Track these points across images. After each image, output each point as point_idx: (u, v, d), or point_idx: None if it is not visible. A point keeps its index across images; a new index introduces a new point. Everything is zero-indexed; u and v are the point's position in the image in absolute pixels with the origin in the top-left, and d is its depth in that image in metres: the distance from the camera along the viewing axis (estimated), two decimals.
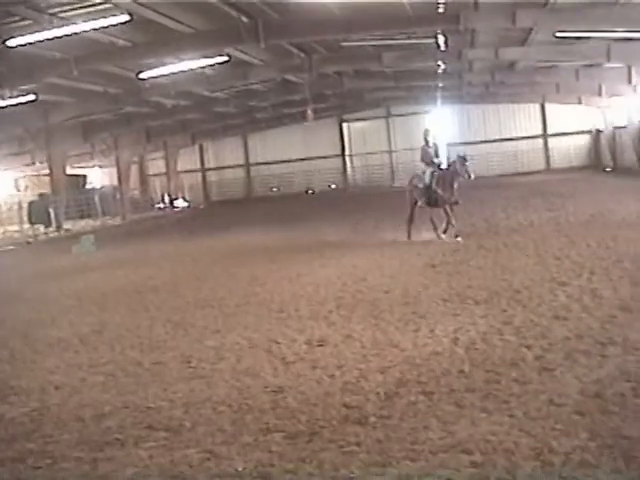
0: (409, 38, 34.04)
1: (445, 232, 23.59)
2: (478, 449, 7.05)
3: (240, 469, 7.16)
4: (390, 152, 68.09)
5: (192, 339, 13.11)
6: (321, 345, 11.74)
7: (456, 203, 23.54)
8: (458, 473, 6.60)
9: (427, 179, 23.94)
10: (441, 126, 63.68)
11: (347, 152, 69.03)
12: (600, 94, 48.80)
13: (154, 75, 33.11)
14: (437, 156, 24.33)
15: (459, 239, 22.61)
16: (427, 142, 24.48)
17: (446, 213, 23.38)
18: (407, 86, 52.63)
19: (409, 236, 24.50)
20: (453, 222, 23.23)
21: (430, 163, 24.04)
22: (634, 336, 10.29)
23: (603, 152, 60.83)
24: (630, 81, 40.93)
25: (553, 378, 8.91)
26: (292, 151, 67.93)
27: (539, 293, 14.00)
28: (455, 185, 23.24)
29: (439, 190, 23.37)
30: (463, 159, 23.15)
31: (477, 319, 12.37)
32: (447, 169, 23.82)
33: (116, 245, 34.55)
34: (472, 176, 23.03)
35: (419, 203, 24.33)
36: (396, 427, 7.83)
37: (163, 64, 31.85)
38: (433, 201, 23.75)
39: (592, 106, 56.46)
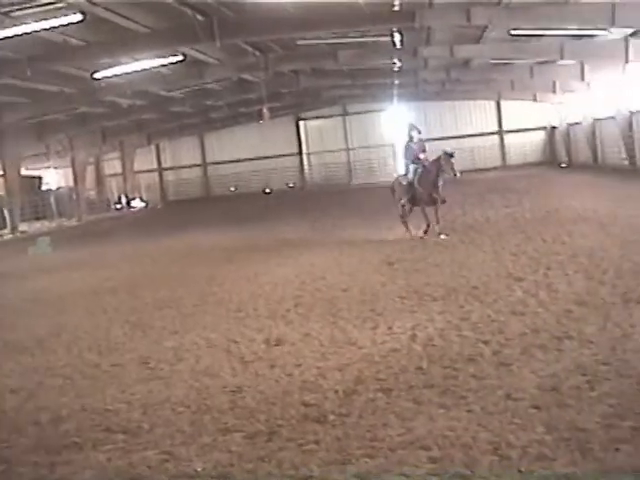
0: (365, 36, 34.08)
1: (426, 232, 22.65)
2: (436, 445, 7.08)
3: (199, 470, 7.13)
4: (347, 150, 68.37)
5: (150, 340, 13.03)
6: (279, 344, 11.72)
7: (442, 202, 22.64)
8: (416, 469, 6.63)
9: (410, 176, 23.02)
10: (397, 124, 64.04)
11: (304, 150, 69.19)
12: (554, 91, 49.25)
13: (109, 75, 32.88)
14: (424, 152, 22.94)
15: (443, 236, 21.91)
16: (411, 138, 23.18)
17: (424, 213, 22.75)
18: (363, 84, 52.81)
19: (409, 231, 23.32)
20: (431, 222, 22.57)
21: (415, 160, 22.80)
22: (589, 330, 10.39)
23: (558, 148, 61.45)
24: (583, 78, 41.32)
25: (510, 373, 8.97)
26: (249, 150, 67.91)
27: (496, 289, 14.09)
28: (440, 182, 22.29)
29: (420, 188, 22.48)
30: (449, 155, 22.08)
31: (435, 316, 12.42)
32: (431, 166, 22.50)
33: (73, 246, 34.29)
34: (458, 174, 22.03)
35: (402, 201, 23.47)
36: (355, 425, 7.85)
37: (118, 64, 31.64)
38: (416, 199, 22.93)
39: (547, 103, 56.97)
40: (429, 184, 22.22)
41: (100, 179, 64.05)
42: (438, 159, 22.28)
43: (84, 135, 54.22)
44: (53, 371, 11.53)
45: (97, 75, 32.57)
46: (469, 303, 13.13)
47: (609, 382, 8.25)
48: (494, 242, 20.07)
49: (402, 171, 23.95)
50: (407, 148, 23.12)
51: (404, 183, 23.30)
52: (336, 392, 8.95)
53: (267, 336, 12.29)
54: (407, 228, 23.38)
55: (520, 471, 6.36)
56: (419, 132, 23.19)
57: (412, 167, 22.88)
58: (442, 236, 21.85)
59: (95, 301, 17.79)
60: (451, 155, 21.91)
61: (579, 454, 6.53)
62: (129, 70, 32.46)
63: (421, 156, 22.63)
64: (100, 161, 63.84)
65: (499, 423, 7.44)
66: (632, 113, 42.56)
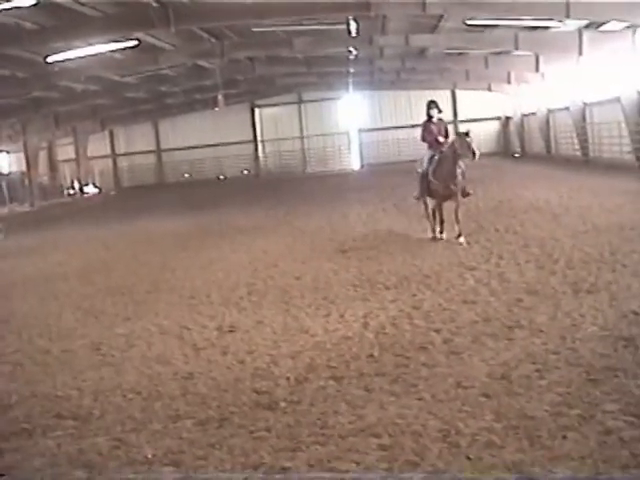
0: (320, 24, 34.10)
1: (441, 232, 18.99)
2: (387, 432, 7.11)
3: (150, 456, 7.11)
4: (302, 138, 68.24)
5: (102, 326, 12.96)
6: (232, 331, 11.72)
7: (465, 195, 19.13)
8: (367, 456, 6.65)
9: (424, 165, 19.26)
10: (352, 112, 64.19)
11: (259, 138, 68.94)
12: (509, 81, 49.50)
13: (63, 59, 32.57)
14: (445, 134, 19.16)
15: (462, 240, 18.14)
16: (430, 117, 19.41)
17: (439, 209, 19.00)
18: (319, 72, 52.79)
19: (434, 233, 19.33)
20: (454, 218, 18.68)
21: (434, 143, 18.99)
22: (540, 319, 10.48)
23: (512, 138, 61.87)
24: (537, 69, 41.61)
25: (461, 361, 9.03)
26: (204, 137, 67.56)
27: (448, 278, 14.16)
28: (458, 171, 18.36)
29: (434, 180, 18.61)
30: (464, 135, 17.96)
31: (387, 304, 12.46)
32: (447, 152, 18.47)
33: (25, 232, 33.99)
34: (477, 155, 17.58)
35: (415, 194, 20.18)
36: (306, 412, 7.86)
37: (72, 48, 31.32)
38: (432, 193, 19.10)
39: (501, 93, 57.29)
40: (445, 174, 18.32)
41: (53, 164, 63.43)
42: (452, 143, 18.29)
43: (37, 120, 53.62)
44: (2, 357, 11.44)
45: (50, 59, 32.26)
46: (421, 292, 13.19)
47: (558, 371, 8.33)
48: (447, 231, 20.12)
49: (423, 161, 19.54)
50: (425, 128, 19.43)
51: (419, 171, 19.68)
52: (288, 379, 8.96)
53: (220, 323, 12.29)
54: (432, 227, 19.51)
55: (469, 458, 6.40)
56: (439, 111, 19.44)
57: (427, 154, 19.29)
58: (461, 239, 18.14)
59: (46, 287, 17.66)
60: (466, 134, 17.93)
61: (527, 442, 6.59)
62: (83, 55, 32.14)
63: (440, 139, 18.90)
64: (53, 146, 63.22)
65: (449, 411, 7.48)
66: (585, 104, 42.93)
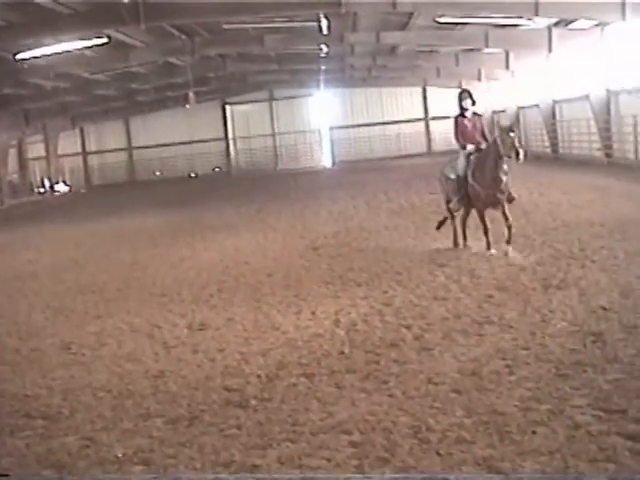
0: (292, 21, 34.07)
1: (489, 245, 15.61)
2: (357, 429, 7.12)
3: (120, 455, 7.09)
4: (273, 135, 68.16)
5: (72, 325, 12.92)
6: (202, 329, 11.71)
7: (510, 200, 15.57)
8: (338, 453, 6.66)
9: (460, 167, 15.96)
10: (324, 109, 64.23)
11: (230, 135, 68.78)
12: (479, 78, 49.69)
13: (32, 56, 32.32)
14: (482, 131, 16.08)
15: (511, 253, 14.99)
16: (463, 110, 16.15)
17: (482, 219, 15.65)
18: (290, 69, 52.80)
19: (455, 243, 16.71)
20: (506, 229, 15.32)
21: (472, 141, 15.85)
22: (510, 315, 10.53)
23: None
24: (508, 66, 41.84)
25: (431, 357, 9.06)
26: (175, 135, 67.32)
27: (419, 274, 14.19)
28: (501, 173, 14.94)
29: (476, 184, 15.40)
30: (507, 130, 14.70)
31: (358, 301, 12.48)
32: (487, 151, 15.34)
33: None
34: (522, 155, 14.40)
35: (450, 204, 16.49)
36: (277, 409, 7.86)
37: (41, 45, 31.11)
38: (472, 200, 15.79)
39: (472, 90, 57.48)
40: (489, 179, 15.09)
41: (23, 162, 62.79)
42: (494, 141, 14.98)
43: (6, 117, 53.09)
44: None
45: (20, 56, 32.01)
46: (392, 288, 13.21)
47: (528, 366, 8.38)
48: (418, 228, 20.19)
49: (458, 162, 16.17)
50: (457, 125, 16.19)
51: (452, 177, 16.24)
52: (258, 377, 8.96)
53: (190, 321, 12.27)
54: (463, 237, 16.65)
55: (439, 454, 6.42)
56: (473, 102, 16.07)
57: (462, 153, 16.00)
58: (510, 251, 15.05)
59: (16, 285, 17.58)
60: (510, 129, 14.71)
61: (497, 437, 6.63)
62: (52, 52, 31.94)
63: (478, 137, 15.87)
64: (23, 144, 62.63)
65: (420, 407, 7.50)
66: (555, 102, 43.17)
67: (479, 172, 15.32)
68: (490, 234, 15.47)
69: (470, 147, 15.77)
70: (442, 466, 6.19)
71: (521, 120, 50.50)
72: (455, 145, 16.37)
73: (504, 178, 15.01)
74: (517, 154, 14.30)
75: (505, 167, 14.92)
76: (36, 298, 15.77)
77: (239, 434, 7.32)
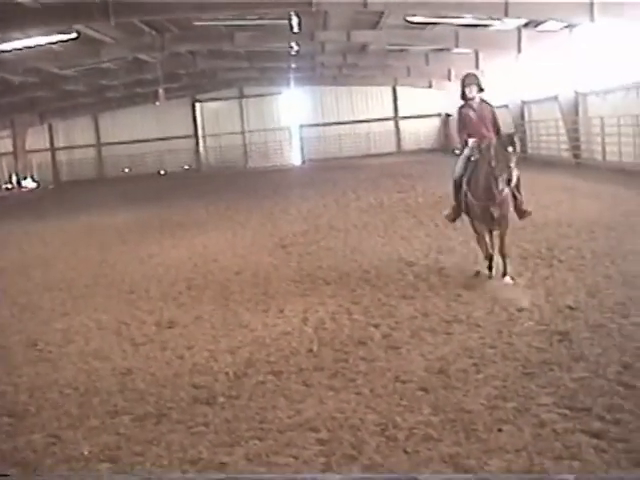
0: (262, 19, 34.05)
1: (490, 265, 12.94)
2: (325, 426, 7.16)
3: (86, 453, 7.08)
4: (243, 133, 68.03)
5: (39, 322, 12.85)
6: (171, 327, 11.69)
7: (523, 214, 13.36)
8: (305, 451, 6.68)
9: (457, 170, 13.33)
10: (294, 107, 64.20)
11: (200, 133, 68.58)
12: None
13: None
14: (493, 123, 13.14)
15: (507, 279, 12.43)
16: (466, 99, 13.22)
17: (478, 238, 13.29)
18: (260, 67, 52.79)
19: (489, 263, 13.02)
20: (500, 249, 12.77)
21: (479, 135, 12.79)
22: (477, 313, 10.59)
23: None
24: (478, 66, 41.90)
25: (399, 356, 9.10)
26: (144, 131, 67.03)
27: (387, 273, 14.23)
28: (500, 185, 11.94)
29: (469, 193, 12.81)
30: (506, 142, 11.95)
31: (326, 299, 12.50)
32: (481, 156, 12.51)
33: None
34: (514, 176, 11.90)
35: (444, 212, 14.69)
36: (244, 407, 7.88)
37: (9, 39, 30.83)
38: (468, 208, 13.14)
39: (442, 90, 57.66)
40: (481, 190, 12.45)
41: None
42: (488, 147, 12.18)
43: None
44: None
45: None
46: (360, 287, 13.24)
47: (495, 365, 8.45)
48: (387, 227, 20.24)
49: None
50: (460, 117, 13.35)
51: (455, 175, 13.46)
52: (226, 374, 8.98)
53: (158, 318, 12.25)
54: (485, 248, 13.22)
55: (406, 452, 6.46)
56: (480, 89, 13.26)
57: (465, 153, 13.23)
58: (507, 278, 12.44)
59: None
60: (509, 142, 12.00)
61: (464, 435, 6.69)
62: (20, 46, 31.67)
63: (486, 131, 12.88)
64: None
65: (387, 405, 7.55)
66: (524, 102, 43.44)
67: (474, 179, 12.59)
68: (492, 255, 12.79)
69: (471, 142, 12.87)
70: (409, 463, 6.23)
71: None
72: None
73: (499, 193, 12.07)
74: (509, 180, 11.75)
75: (502, 179, 11.79)
76: (2, 295, 15.67)
77: (207, 431, 7.33)
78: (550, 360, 8.39)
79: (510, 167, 11.72)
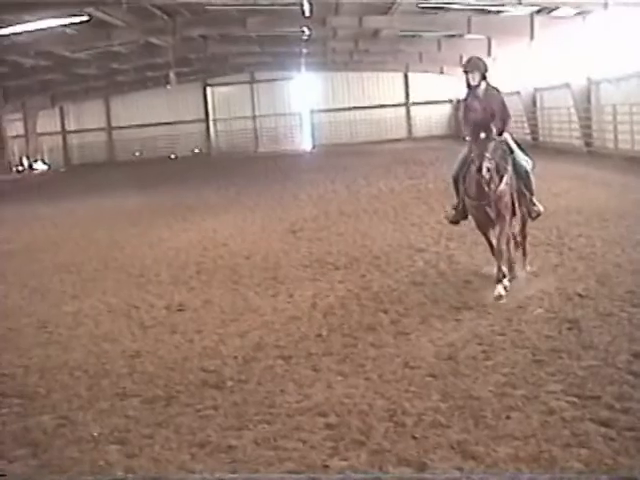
0: (274, 4, 33.96)
1: (501, 279, 10.89)
2: (333, 411, 7.16)
3: (96, 434, 7.09)
4: (254, 118, 67.95)
5: (49, 304, 12.89)
6: (180, 310, 11.72)
7: (534, 215, 11.95)
8: (313, 435, 6.69)
9: (454, 168, 12.02)
10: (305, 92, 64.09)
11: (211, 117, 68.53)
12: (461, 64, 49.69)
13: (11, 33, 32.04)
14: (503, 113, 11.61)
15: (500, 288, 10.70)
16: (470, 89, 11.75)
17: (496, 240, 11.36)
18: (272, 52, 52.69)
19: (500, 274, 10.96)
20: (508, 259, 11.69)
21: (484, 128, 10.90)
22: (487, 301, 10.56)
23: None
24: (490, 53, 41.77)
25: (408, 342, 9.09)
26: (155, 115, 66.96)
27: (397, 259, 14.22)
28: (491, 184, 10.77)
29: (464, 191, 11.56)
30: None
31: (336, 284, 12.52)
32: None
33: None
34: (484, 172, 10.48)
35: (444, 212, 14.43)
36: (253, 391, 7.89)
37: (21, 22, 30.83)
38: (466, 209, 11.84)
39: (453, 76, 57.48)
40: (472, 185, 11.17)
41: (1, 140, 62.46)
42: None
43: None
44: None
45: None
46: (370, 273, 13.25)
47: (504, 352, 8.44)
48: (397, 213, 20.22)
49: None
50: (466, 107, 11.85)
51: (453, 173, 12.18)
52: (235, 358, 8.98)
53: (168, 302, 12.27)
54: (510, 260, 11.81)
55: (415, 438, 6.46)
56: (483, 75, 11.62)
57: (466, 147, 11.59)
58: (499, 286, 10.73)
59: None
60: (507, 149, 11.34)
61: (472, 421, 6.67)
62: (32, 29, 31.66)
63: (490, 124, 11.02)
64: (2, 122, 62.25)
65: (396, 391, 7.54)
66: (536, 89, 43.27)
67: (468, 177, 11.32)
68: (501, 256, 11.11)
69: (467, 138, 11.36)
70: (417, 449, 6.22)
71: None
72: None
73: (493, 191, 10.84)
74: (479, 168, 10.51)
75: (486, 173, 10.53)
76: (13, 277, 15.71)
77: (215, 415, 7.34)
78: (559, 348, 8.37)
79: (484, 155, 10.47)
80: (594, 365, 7.78)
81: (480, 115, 11.49)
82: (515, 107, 45.81)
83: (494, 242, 11.43)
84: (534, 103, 43.73)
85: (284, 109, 67.47)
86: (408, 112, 65.82)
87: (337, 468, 6.05)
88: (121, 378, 8.65)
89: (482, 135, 10.76)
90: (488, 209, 11.08)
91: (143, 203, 28.57)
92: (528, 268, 12.07)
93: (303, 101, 66.94)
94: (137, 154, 67.30)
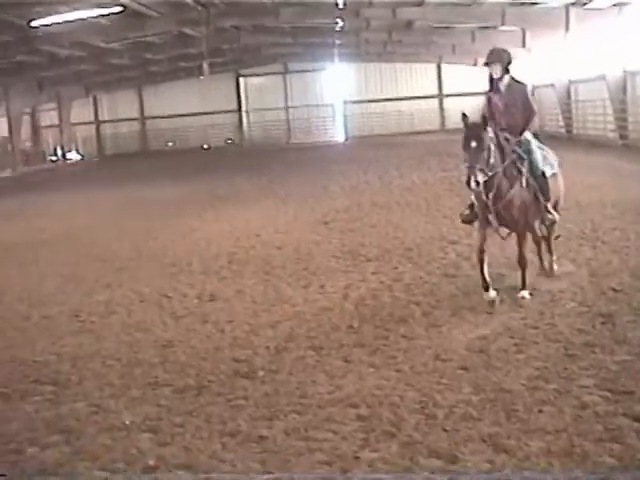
0: None
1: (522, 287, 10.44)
2: (364, 403, 7.15)
3: (127, 423, 7.14)
4: (287, 108, 67.95)
5: (82, 293, 12.98)
6: (212, 300, 11.77)
7: (546, 223, 11.21)
8: (344, 426, 6.68)
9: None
10: (338, 84, 64.00)
11: (244, 108, 68.61)
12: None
13: (47, 23, 32.20)
14: (526, 112, 10.74)
15: (525, 294, 10.26)
16: (493, 83, 11.02)
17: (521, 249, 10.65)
18: (305, 42, 52.66)
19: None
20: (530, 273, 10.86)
21: (504, 124, 10.64)
22: (520, 293, 10.47)
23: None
24: (524, 44, 41.57)
25: (440, 334, 9.07)
26: (188, 105, 67.05)
27: (429, 251, 14.19)
28: (491, 188, 9.96)
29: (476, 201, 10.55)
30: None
31: (368, 276, 12.51)
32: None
33: (6, 197, 33.83)
34: (473, 185, 9.55)
35: (461, 212, 11.66)
36: (284, 381, 7.90)
37: (56, 12, 30.99)
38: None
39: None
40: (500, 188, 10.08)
41: (36, 130, 62.87)
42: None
43: (20, 84, 53.02)
44: None
45: (34, 23, 31.90)
46: (402, 264, 13.23)
47: (536, 346, 8.40)
48: (430, 205, 20.17)
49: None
50: (487, 104, 11.06)
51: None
52: (267, 349, 9.00)
53: (200, 292, 12.32)
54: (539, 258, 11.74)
55: (445, 430, 6.44)
56: (506, 69, 10.81)
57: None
58: (523, 293, 10.32)
59: (27, 253, 17.62)
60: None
61: (504, 415, 6.65)
62: (67, 19, 31.80)
63: (511, 119, 10.71)
64: (36, 112, 62.65)
65: (427, 383, 7.53)
66: (571, 82, 42.97)
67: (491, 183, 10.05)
68: (524, 263, 10.51)
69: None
70: (448, 442, 6.21)
71: (536, 99, 50.24)
72: None
73: (485, 196, 10.05)
74: (468, 182, 9.56)
75: (475, 187, 9.64)
76: (47, 266, 15.84)
77: (246, 405, 7.36)
78: (592, 342, 8.32)
79: (474, 167, 9.50)
80: (627, 360, 7.73)
81: (502, 112, 10.75)
82: (549, 100, 45.68)
83: (485, 245, 10.57)
84: (568, 95, 43.41)
85: (317, 100, 67.41)
86: (441, 104, 65.52)
87: (368, 459, 6.05)
88: (153, 367, 8.70)
89: (473, 144, 9.67)
90: (490, 216, 10.31)
91: (176, 193, 28.67)
92: (555, 268, 11.53)
93: (336, 92, 66.83)
94: (170, 144, 67.47)
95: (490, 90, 11.03)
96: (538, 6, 34.31)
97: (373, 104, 65.32)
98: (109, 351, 9.44)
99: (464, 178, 9.67)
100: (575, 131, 42.88)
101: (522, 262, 10.50)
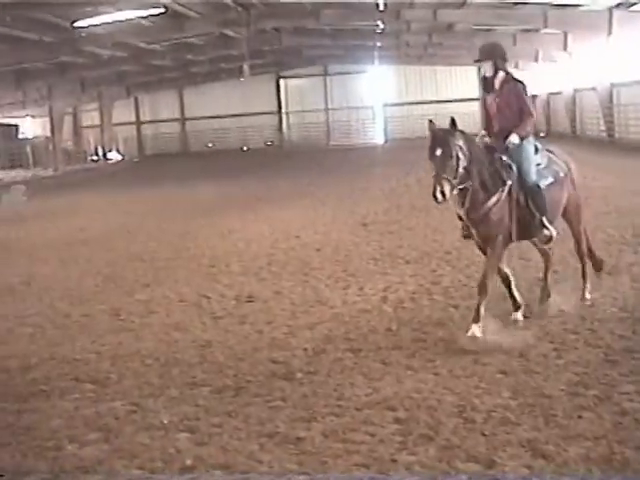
0: None
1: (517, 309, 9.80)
2: (402, 406, 7.14)
3: (166, 422, 7.17)
4: (326, 110, 68.00)
5: (122, 292, 13.09)
6: (250, 301, 11.80)
7: (542, 240, 10.25)
8: (382, 429, 6.67)
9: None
10: (378, 86, 63.95)
11: (283, 109, 68.78)
12: (536, 59, 49.10)
13: (90, 24, 32.48)
14: (521, 112, 9.80)
15: (518, 316, 9.66)
16: (486, 82, 10.01)
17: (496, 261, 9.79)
18: (345, 45, 52.68)
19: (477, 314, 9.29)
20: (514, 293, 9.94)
21: (498, 128, 9.92)
22: (559, 298, 10.38)
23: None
24: (566, 48, 41.27)
25: (478, 338, 9.01)
26: (228, 107, 67.34)
27: (468, 254, 14.05)
28: (485, 201, 9.26)
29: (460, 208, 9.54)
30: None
31: (406, 278, 12.49)
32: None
33: (48, 196, 34.17)
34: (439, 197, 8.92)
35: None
36: (322, 383, 7.90)
37: (99, 13, 31.26)
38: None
39: (528, 71, 56.89)
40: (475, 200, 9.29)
41: (77, 130, 63.42)
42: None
43: (63, 85, 53.53)
44: (23, 319, 11.58)
45: (77, 24, 32.20)
46: (441, 267, 13.21)
47: (576, 351, 8.34)
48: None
49: None
50: (484, 105, 10.71)
51: None
52: (305, 350, 9.01)
53: (238, 293, 12.36)
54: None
55: (484, 434, 6.41)
56: (497, 67, 9.75)
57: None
58: (517, 314, 9.72)
59: (68, 251, 17.80)
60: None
61: (543, 420, 6.61)
62: (110, 20, 32.08)
63: (507, 121, 9.81)
64: (78, 112, 63.19)
65: (465, 387, 7.50)
66: (613, 85, 42.59)
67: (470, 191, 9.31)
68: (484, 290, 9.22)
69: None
70: (486, 446, 6.18)
71: (577, 103, 49.88)
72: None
73: (478, 207, 9.25)
74: (433, 193, 8.93)
75: (441, 198, 8.93)
76: (87, 264, 15.98)
77: (284, 406, 7.37)
78: (633, 348, 8.24)
79: (441, 177, 8.90)
80: None
81: (496, 114, 9.91)
82: (591, 103, 45.29)
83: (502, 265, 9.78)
84: (611, 99, 43.02)
85: (357, 102, 67.42)
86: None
87: (405, 463, 6.03)
88: (191, 367, 8.74)
89: (438, 152, 9.02)
90: (473, 227, 9.54)
91: (215, 193, 28.79)
92: (588, 289, 10.40)
93: (376, 95, 66.81)
94: (210, 145, 67.76)
95: (485, 90, 10.13)
96: (581, 9, 34.04)
97: (413, 107, 65.10)
98: (148, 350, 9.51)
99: (431, 189, 8.91)
100: (617, 135, 42.48)
101: (481, 287, 9.21)
